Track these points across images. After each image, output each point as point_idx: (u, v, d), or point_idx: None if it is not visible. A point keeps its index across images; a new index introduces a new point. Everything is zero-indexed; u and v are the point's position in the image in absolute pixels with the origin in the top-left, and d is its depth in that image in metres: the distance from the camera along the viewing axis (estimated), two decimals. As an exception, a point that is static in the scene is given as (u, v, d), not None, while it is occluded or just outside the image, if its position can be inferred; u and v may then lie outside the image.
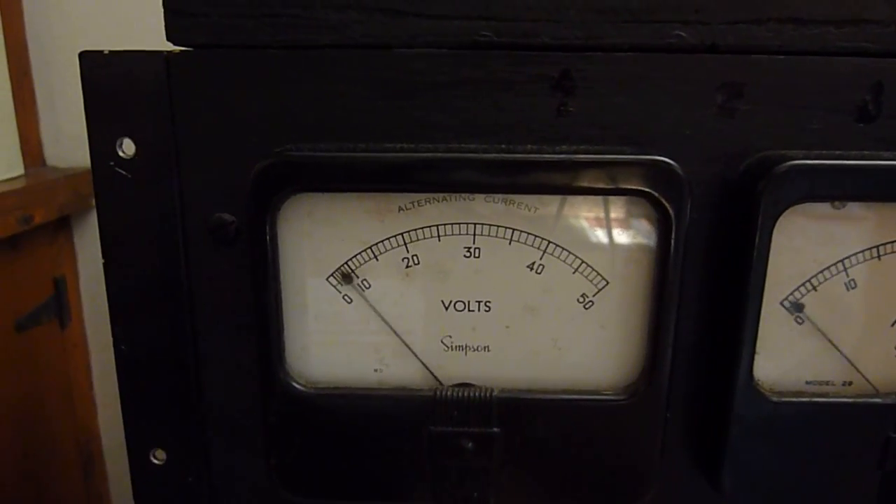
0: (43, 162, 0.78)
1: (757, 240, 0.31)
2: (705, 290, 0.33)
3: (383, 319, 0.33)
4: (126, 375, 0.35)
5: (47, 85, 0.76)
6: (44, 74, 0.76)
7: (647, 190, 0.31)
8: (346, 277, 0.33)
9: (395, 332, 0.34)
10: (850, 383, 0.34)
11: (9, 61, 0.72)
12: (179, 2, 0.31)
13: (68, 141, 0.78)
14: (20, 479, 0.75)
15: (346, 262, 0.33)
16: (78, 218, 0.81)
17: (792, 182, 0.30)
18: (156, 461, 0.36)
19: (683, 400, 0.35)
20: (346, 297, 0.33)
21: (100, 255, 0.34)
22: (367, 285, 0.33)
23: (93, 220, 0.82)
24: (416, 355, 0.34)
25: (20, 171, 0.74)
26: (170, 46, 0.32)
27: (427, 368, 0.34)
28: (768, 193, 0.30)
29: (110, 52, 0.31)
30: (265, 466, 0.35)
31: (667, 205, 0.31)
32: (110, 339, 0.35)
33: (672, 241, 0.31)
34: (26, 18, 0.74)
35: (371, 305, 0.33)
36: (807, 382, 0.34)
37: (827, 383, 0.34)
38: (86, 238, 0.82)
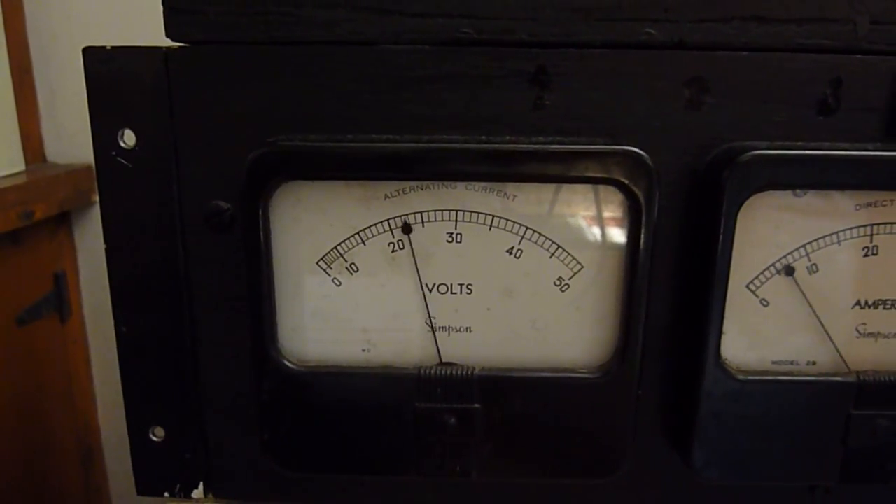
0: (44, 158, 0.79)
1: (722, 226, 0.33)
2: (677, 275, 0.35)
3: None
4: (126, 356, 0.37)
5: (48, 82, 0.77)
6: (45, 72, 0.76)
7: (618, 179, 0.32)
8: (406, 228, 0.34)
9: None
10: (814, 363, 0.36)
11: (10, 59, 0.73)
12: (178, 0, 0.32)
13: (69, 137, 0.78)
14: (20, 471, 0.76)
15: (335, 247, 0.34)
16: (78, 214, 0.82)
17: (754, 171, 0.32)
18: (154, 438, 0.38)
19: (657, 379, 0.36)
20: (335, 280, 0.35)
21: (100, 250, 0.35)
22: (356, 269, 0.35)
23: (93, 215, 0.83)
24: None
25: (21, 166, 0.75)
26: (168, 42, 0.33)
27: (418, 346, 0.36)
28: (732, 182, 0.32)
29: (112, 47, 0.33)
30: (259, 442, 0.36)
31: (637, 193, 0.32)
32: (110, 333, 0.37)
33: (642, 228, 0.33)
34: (27, 16, 0.75)
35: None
36: (773, 362, 0.36)
37: (792, 363, 0.36)
38: (86, 233, 0.83)
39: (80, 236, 0.83)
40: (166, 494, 0.39)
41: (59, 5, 0.75)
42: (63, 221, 0.81)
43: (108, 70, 0.33)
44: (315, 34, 0.32)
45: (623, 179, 0.32)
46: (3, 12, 0.71)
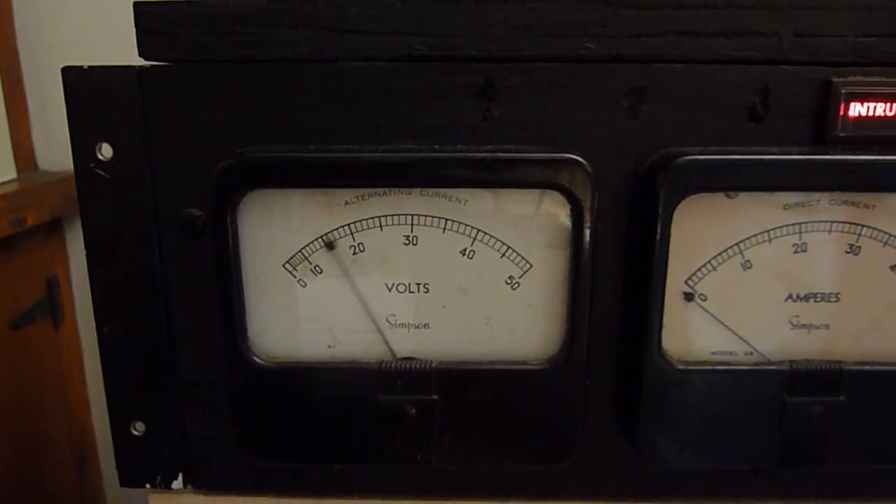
0: (35, 166, 0.80)
1: (659, 226, 0.35)
2: (623, 273, 0.37)
3: (360, 298, 0.37)
4: (108, 355, 0.39)
5: (38, 92, 0.78)
6: (35, 82, 0.78)
7: (560, 184, 0.35)
8: (329, 245, 0.36)
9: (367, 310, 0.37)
10: (752, 353, 0.38)
11: (0, 69, 0.74)
12: (150, 22, 0.34)
13: (59, 145, 0.80)
14: (15, 475, 0.77)
15: (300, 250, 0.37)
16: (70, 220, 0.83)
17: (688, 175, 0.34)
18: (136, 432, 0.40)
19: (608, 371, 0.39)
20: (301, 282, 0.37)
21: (92, 255, 0.37)
22: (320, 270, 0.37)
23: (84, 221, 0.84)
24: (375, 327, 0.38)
25: (13, 174, 0.76)
26: (142, 61, 0.35)
27: (379, 342, 0.38)
28: (667, 185, 0.34)
29: (90, 66, 0.35)
30: (232, 434, 0.39)
31: (578, 197, 0.35)
32: (103, 336, 0.39)
33: (584, 229, 0.35)
34: (17, 28, 0.76)
35: (354, 284, 0.37)
36: (712, 353, 0.38)
37: (730, 353, 0.38)
38: (77, 239, 0.83)
39: (72, 242, 0.85)
40: (148, 486, 0.41)
41: (49, 16, 0.76)
42: (55, 228, 0.82)
43: (85, 87, 0.35)
44: (278, 52, 0.35)
45: (565, 184, 0.35)
46: (-6, 24, 0.73)
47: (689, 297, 0.37)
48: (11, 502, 0.78)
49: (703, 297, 0.37)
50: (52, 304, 0.83)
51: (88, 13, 0.76)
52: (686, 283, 0.37)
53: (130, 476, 0.41)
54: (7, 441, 0.76)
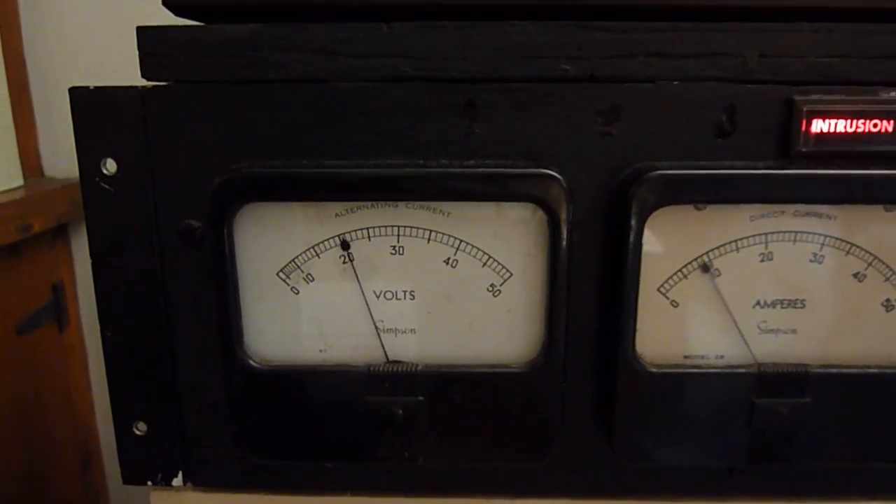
0: (41, 173, 0.81)
1: (631, 237, 0.37)
2: (600, 281, 0.39)
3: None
4: (111, 358, 0.41)
5: (45, 99, 0.79)
6: (41, 89, 0.79)
7: (537, 196, 0.37)
8: (345, 245, 0.38)
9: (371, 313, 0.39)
10: (722, 357, 0.40)
11: (8, 77, 0.75)
12: (152, 45, 0.37)
13: (65, 153, 0.81)
14: (21, 476, 0.78)
15: (293, 260, 0.39)
16: (75, 226, 0.84)
17: (658, 188, 0.36)
18: (137, 432, 0.42)
19: (587, 373, 0.41)
20: (293, 289, 0.39)
21: (95, 262, 0.39)
22: (312, 278, 0.39)
23: (89, 228, 0.86)
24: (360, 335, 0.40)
25: (20, 181, 0.77)
26: (144, 82, 0.37)
27: (368, 346, 0.40)
28: (638, 198, 0.36)
29: (95, 87, 0.37)
30: (229, 433, 0.41)
31: (554, 209, 0.37)
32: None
33: (560, 240, 0.37)
34: (24, 36, 0.78)
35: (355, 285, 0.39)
36: (685, 356, 0.40)
37: (702, 357, 0.40)
38: (83, 245, 0.84)
39: (78, 248, 0.86)
40: (149, 483, 0.43)
41: (55, 27, 0.77)
42: (61, 234, 0.83)
43: (91, 106, 0.37)
44: (272, 74, 0.37)
45: (543, 198, 0.37)
46: (1, 33, 0.74)
47: (662, 293, 0.39)
48: (17, 503, 0.79)
49: (675, 304, 0.39)
50: (58, 309, 0.84)
51: (93, 25, 0.78)
52: (659, 289, 0.39)
53: (132, 474, 0.43)
54: (13, 443, 0.77)
